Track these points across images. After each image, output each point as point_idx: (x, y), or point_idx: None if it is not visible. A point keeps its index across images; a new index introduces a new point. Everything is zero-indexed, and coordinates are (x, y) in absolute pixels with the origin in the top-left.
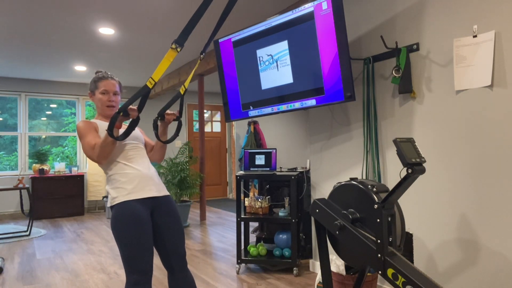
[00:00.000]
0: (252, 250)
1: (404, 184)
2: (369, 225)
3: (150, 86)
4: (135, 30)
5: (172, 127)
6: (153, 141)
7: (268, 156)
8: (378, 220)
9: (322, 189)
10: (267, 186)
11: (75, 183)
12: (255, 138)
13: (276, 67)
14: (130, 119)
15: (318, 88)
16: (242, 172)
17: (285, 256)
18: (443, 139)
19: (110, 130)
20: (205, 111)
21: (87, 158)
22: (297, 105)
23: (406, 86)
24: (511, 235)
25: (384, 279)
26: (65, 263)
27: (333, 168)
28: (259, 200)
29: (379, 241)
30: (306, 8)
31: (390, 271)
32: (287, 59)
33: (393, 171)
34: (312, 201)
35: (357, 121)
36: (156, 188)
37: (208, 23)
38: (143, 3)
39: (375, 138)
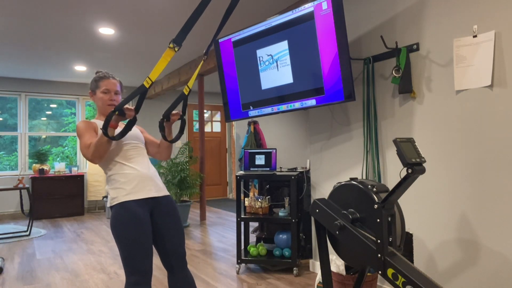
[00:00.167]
0: (252, 250)
1: (404, 184)
2: (369, 225)
3: (147, 86)
4: (135, 30)
5: (174, 126)
6: (155, 138)
7: (268, 156)
8: (378, 220)
9: (322, 189)
10: (267, 186)
11: (75, 183)
12: (255, 138)
13: (276, 67)
14: (128, 119)
15: (318, 88)
16: (242, 172)
17: (285, 256)
18: (443, 139)
19: (104, 129)
20: (205, 111)
21: None
22: (297, 105)
23: (406, 86)
24: (511, 235)
25: (384, 279)
26: (65, 263)
27: (333, 168)
28: (259, 200)
29: (379, 241)
30: (306, 8)
31: (390, 271)
32: (287, 59)
33: (393, 171)
34: (312, 201)
35: (357, 121)
36: (156, 188)
37: (207, 23)
38: (143, 3)
39: (375, 138)
